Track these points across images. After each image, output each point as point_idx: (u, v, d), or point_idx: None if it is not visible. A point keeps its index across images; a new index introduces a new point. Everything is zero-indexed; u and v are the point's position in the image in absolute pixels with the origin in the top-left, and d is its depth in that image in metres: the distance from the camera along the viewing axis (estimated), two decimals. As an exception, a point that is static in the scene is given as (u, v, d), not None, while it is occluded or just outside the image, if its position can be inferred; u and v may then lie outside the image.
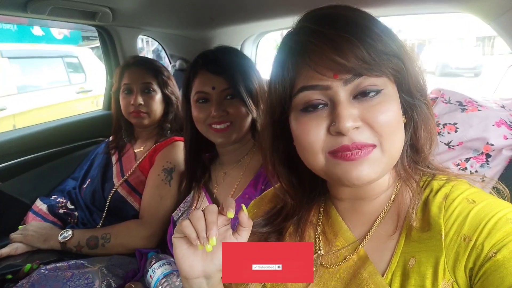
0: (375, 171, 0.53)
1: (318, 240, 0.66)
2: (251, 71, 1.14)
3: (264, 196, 0.80)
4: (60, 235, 1.29)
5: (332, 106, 0.53)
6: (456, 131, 0.94)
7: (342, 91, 0.52)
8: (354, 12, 0.55)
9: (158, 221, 1.32)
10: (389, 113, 0.53)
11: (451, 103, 0.99)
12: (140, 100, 1.46)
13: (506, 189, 0.60)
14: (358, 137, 0.52)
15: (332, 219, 0.65)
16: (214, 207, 0.59)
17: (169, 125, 1.53)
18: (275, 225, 0.69)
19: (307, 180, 0.67)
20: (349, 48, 0.50)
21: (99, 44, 1.86)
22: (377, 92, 0.53)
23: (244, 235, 0.59)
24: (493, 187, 0.61)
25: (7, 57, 4.81)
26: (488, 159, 0.92)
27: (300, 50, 0.55)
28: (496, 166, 0.91)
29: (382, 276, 0.56)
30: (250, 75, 1.12)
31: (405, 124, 0.58)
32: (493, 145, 0.91)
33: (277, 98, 0.59)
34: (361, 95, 0.53)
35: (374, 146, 0.53)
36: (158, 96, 1.51)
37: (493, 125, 0.92)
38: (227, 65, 1.10)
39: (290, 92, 0.57)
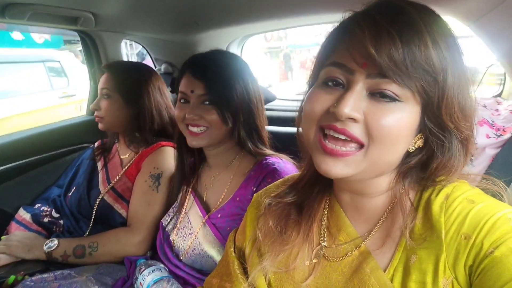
0: (347, 171, 0.54)
1: (323, 232, 0.67)
2: (236, 79, 1.10)
3: (272, 186, 0.81)
4: (45, 245, 1.25)
5: (345, 91, 0.53)
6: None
7: (361, 81, 0.52)
8: (421, 10, 0.52)
9: (147, 228, 1.31)
10: (391, 122, 0.51)
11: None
12: (96, 104, 1.43)
13: (498, 180, 0.59)
14: (350, 127, 0.52)
15: (336, 214, 0.67)
16: None
17: (138, 134, 1.46)
18: (299, 192, 0.69)
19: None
20: (387, 44, 0.49)
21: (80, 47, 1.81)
22: (394, 100, 0.51)
23: None
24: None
25: (-15, 63, 4.68)
26: (472, 157, 0.94)
27: (347, 28, 0.55)
28: (480, 165, 0.93)
29: (384, 271, 0.57)
30: (233, 84, 1.09)
31: (421, 147, 0.56)
32: (476, 143, 0.93)
33: (314, 66, 0.61)
34: (377, 95, 0.52)
35: (359, 146, 0.53)
36: (116, 103, 1.42)
37: (475, 124, 0.94)
38: (209, 71, 1.08)
39: (323, 63, 0.58)
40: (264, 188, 0.83)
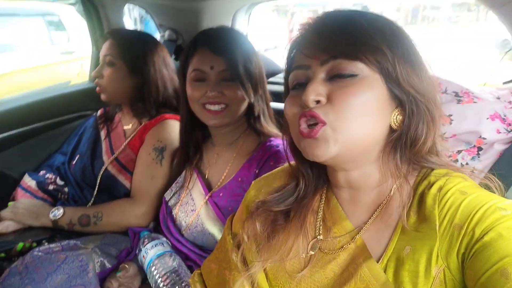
0: (328, 149, 0.58)
1: (318, 225, 0.69)
2: (252, 55, 1.10)
3: (269, 175, 0.83)
4: (51, 213, 1.28)
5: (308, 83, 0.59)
6: (450, 123, 0.94)
7: (318, 70, 0.59)
8: (352, 12, 0.62)
9: (150, 200, 1.33)
10: (354, 95, 0.56)
11: (447, 93, 0.98)
12: (98, 72, 1.40)
13: (498, 181, 0.61)
14: (316, 109, 0.58)
15: (332, 207, 0.69)
16: None
17: (140, 105, 1.43)
18: (287, 204, 0.72)
19: (314, 166, 0.71)
20: (328, 33, 0.59)
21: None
22: (352, 76, 0.57)
23: None
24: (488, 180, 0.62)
25: (-16, 15, 4.53)
26: (480, 152, 0.93)
27: (298, 40, 0.66)
28: (487, 160, 0.92)
29: (377, 262, 0.59)
30: (251, 59, 1.09)
31: (401, 121, 0.60)
32: (485, 139, 0.91)
33: (284, 80, 0.70)
34: (335, 76, 0.58)
35: (323, 123, 0.57)
36: (118, 71, 1.39)
37: (487, 119, 0.92)
38: (229, 45, 1.07)
39: (288, 73, 0.67)
40: (263, 176, 0.84)
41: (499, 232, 0.50)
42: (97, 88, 1.42)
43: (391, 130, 0.61)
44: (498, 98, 0.97)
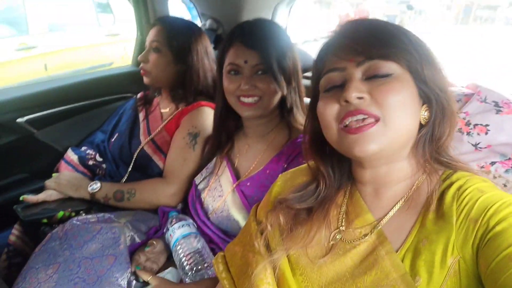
0: (378, 144, 0.60)
1: (341, 218, 0.72)
2: (287, 48, 1.12)
3: (295, 171, 0.86)
4: (90, 186, 1.37)
5: (345, 83, 0.63)
6: (486, 133, 0.92)
7: (355, 71, 0.63)
8: (377, 20, 0.68)
9: (180, 182, 1.39)
10: (394, 91, 0.60)
11: (486, 103, 0.95)
12: (144, 56, 1.46)
13: None
14: (362, 105, 0.60)
15: (355, 201, 0.72)
16: None
17: (180, 92, 1.50)
18: (309, 203, 0.75)
19: (336, 165, 0.75)
20: (363, 37, 0.63)
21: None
22: (387, 75, 0.61)
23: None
24: None
25: (38, -8, 4.78)
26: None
27: (329, 45, 0.69)
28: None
29: (396, 252, 0.62)
30: (285, 52, 1.11)
31: (429, 118, 0.65)
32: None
33: (312, 84, 0.73)
34: (372, 77, 0.62)
35: (376, 118, 0.60)
36: (163, 57, 1.45)
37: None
38: (262, 39, 1.09)
39: (319, 76, 0.69)
40: (291, 170, 0.87)
41: (510, 222, 0.53)
42: (142, 71, 1.49)
43: (420, 125, 0.65)
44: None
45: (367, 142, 0.60)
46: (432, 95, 0.63)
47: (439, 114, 0.64)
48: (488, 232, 0.54)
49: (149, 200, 1.37)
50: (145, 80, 1.50)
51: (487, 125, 0.92)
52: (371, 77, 0.62)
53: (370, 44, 0.62)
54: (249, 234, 0.82)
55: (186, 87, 1.49)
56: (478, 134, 0.93)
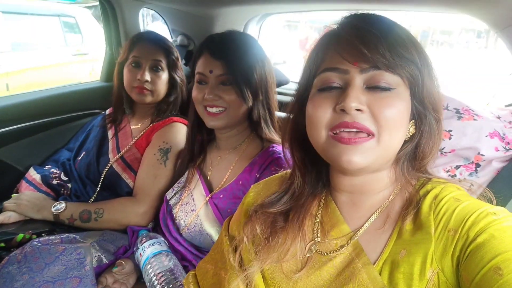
0: (366, 159, 0.58)
1: (316, 229, 0.70)
2: (256, 61, 1.12)
3: (268, 180, 0.84)
4: (53, 207, 1.30)
5: (344, 89, 0.59)
6: (450, 138, 0.96)
7: (357, 77, 0.59)
8: (386, 18, 0.63)
9: (152, 200, 1.34)
10: (394, 109, 0.58)
11: (448, 110, 1.00)
12: (147, 76, 1.44)
13: (493, 196, 0.65)
14: (359, 119, 0.57)
15: (331, 211, 0.70)
16: None
17: (165, 106, 1.53)
18: (283, 204, 0.73)
19: (315, 168, 0.73)
20: (374, 42, 0.57)
21: (96, 3, 1.79)
22: (389, 89, 0.58)
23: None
24: (482, 195, 0.66)
25: (1, 11, 4.63)
26: (478, 168, 0.94)
27: (332, 38, 0.63)
28: (484, 176, 0.94)
29: (373, 264, 0.60)
30: (253, 65, 1.11)
31: (414, 134, 0.63)
32: (484, 155, 0.93)
33: (303, 77, 0.68)
34: (374, 87, 0.58)
35: (371, 135, 0.58)
36: (165, 76, 1.50)
37: (486, 136, 0.94)
38: (229, 51, 1.10)
39: (315, 72, 0.64)
40: (263, 181, 0.85)
41: (491, 233, 0.52)
42: (144, 91, 1.46)
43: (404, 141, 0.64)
44: (499, 117, 0.99)
45: (357, 155, 0.58)
46: (424, 115, 0.62)
47: (426, 134, 0.63)
48: (469, 244, 0.53)
49: (118, 220, 1.31)
50: (147, 99, 1.48)
51: (450, 131, 0.96)
52: (372, 87, 0.59)
53: (380, 52, 0.57)
54: (221, 251, 0.79)
55: (171, 102, 1.53)
56: (443, 139, 0.96)
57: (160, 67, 1.48)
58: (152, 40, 1.50)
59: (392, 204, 0.65)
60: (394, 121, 0.58)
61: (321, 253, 0.67)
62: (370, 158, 0.58)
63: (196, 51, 1.15)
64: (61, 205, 1.30)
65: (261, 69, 1.13)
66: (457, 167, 0.95)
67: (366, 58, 0.57)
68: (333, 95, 0.60)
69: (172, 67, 1.51)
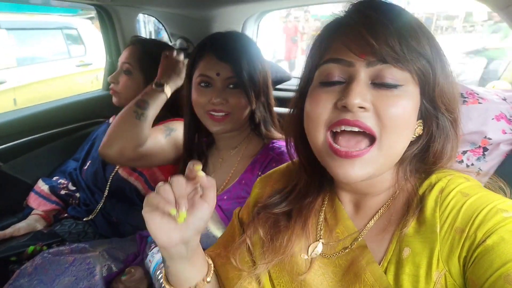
0: (366, 171, 0.54)
1: (320, 228, 0.67)
2: (258, 61, 1.11)
3: (273, 173, 0.80)
4: None
5: (348, 83, 0.54)
6: (455, 124, 0.94)
7: (363, 71, 0.53)
8: (396, 5, 0.57)
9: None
10: (400, 108, 0.52)
11: (452, 95, 0.97)
12: (116, 78, 1.44)
13: (506, 186, 0.60)
14: (362, 118, 0.52)
15: (335, 207, 0.67)
16: (179, 178, 0.55)
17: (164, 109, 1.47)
18: (289, 203, 0.69)
19: (320, 166, 0.68)
20: (383, 32, 0.51)
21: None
22: (396, 86, 0.53)
23: (210, 196, 0.57)
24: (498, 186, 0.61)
25: (5, 28, 4.71)
26: (485, 152, 0.92)
27: (338, 26, 0.58)
28: (492, 160, 0.91)
29: (379, 264, 0.58)
30: (256, 66, 1.09)
31: (420, 135, 0.58)
32: (491, 139, 0.90)
33: (306, 68, 0.62)
34: (380, 84, 0.53)
35: (372, 139, 0.53)
36: (134, 79, 1.44)
37: (492, 119, 0.91)
38: (235, 52, 1.07)
39: (317, 63, 0.59)
40: (266, 175, 0.82)
41: (501, 236, 0.48)
42: (111, 91, 1.45)
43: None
44: (504, 99, 0.96)
45: (355, 168, 0.54)
46: (434, 116, 0.56)
47: (438, 137, 0.57)
48: (477, 246, 0.49)
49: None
50: (114, 100, 1.47)
51: (455, 116, 0.94)
52: (378, 84, 0.53)
53: (389, 44, 0.51)
54: (232, 233, 0.78)
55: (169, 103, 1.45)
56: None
57: (128, 70, 1.44)
58: (131, 43, 1.49)
59: (396, 202, 0.61)
60: (400, 122, 0.53)
61: (326, 254, 0.65)
62: (371, 169, 0.54)
63: (196, 52, 1.12)
64: None
65: (263, 70, 1.12)
66: (464, 152, 0.92)
67: (373, 50, 0.51)
68: (335, 90, 0.55)
69: (148, 72, 1.42)
